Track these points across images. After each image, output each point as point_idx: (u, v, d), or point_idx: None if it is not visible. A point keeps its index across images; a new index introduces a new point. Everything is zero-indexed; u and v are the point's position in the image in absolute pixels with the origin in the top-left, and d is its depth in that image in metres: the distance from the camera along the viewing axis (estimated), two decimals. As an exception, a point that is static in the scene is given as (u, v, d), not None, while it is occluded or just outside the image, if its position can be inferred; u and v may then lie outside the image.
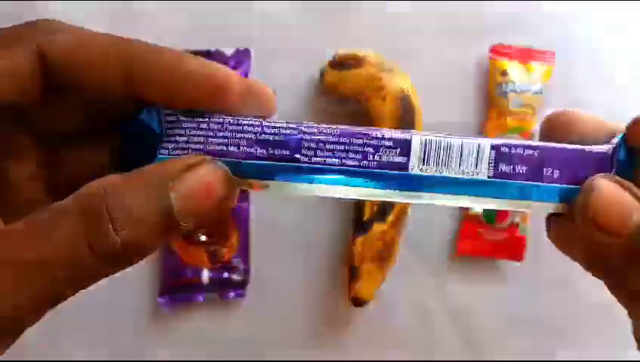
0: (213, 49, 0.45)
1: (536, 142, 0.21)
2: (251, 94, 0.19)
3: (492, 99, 0.47)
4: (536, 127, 0.47)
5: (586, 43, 0.48)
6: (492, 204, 0.21)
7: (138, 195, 0.16)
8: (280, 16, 0.47)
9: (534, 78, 0.47)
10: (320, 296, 0.48)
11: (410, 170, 0.20)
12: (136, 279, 0.46)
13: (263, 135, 0.20)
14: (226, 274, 0.46)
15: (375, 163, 0.20)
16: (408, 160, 0.20)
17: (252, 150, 0.20)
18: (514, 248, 0.47)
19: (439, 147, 0.20)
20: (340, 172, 0.20)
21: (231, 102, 0.19)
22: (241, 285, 0.46)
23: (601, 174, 0.20)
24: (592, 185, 0.19)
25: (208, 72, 0.18)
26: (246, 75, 0.46)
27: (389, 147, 0.20)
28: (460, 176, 0.21)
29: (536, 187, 0.21)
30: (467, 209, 0.47)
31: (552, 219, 0.22)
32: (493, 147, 0.21)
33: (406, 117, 0.44)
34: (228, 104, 0.19)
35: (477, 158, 0.20)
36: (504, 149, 0.21)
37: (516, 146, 0.21)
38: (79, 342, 0.46)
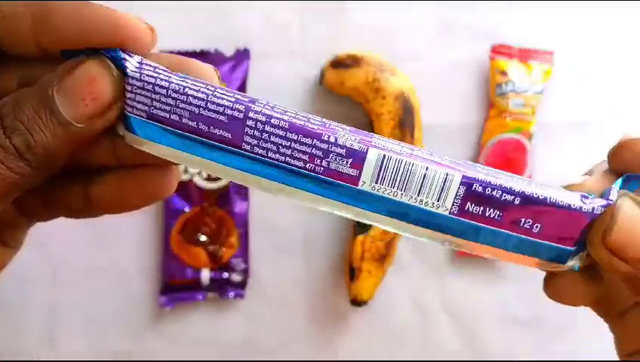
0: (213, 49, 0.45)
1: (519, 186, 0.18)
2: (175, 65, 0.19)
3: (492, 99, 0.47)
4: (535, 126, 0.47)
5: (586, 43, 0.48)
6: (453, 245, 0.19)
7: (26, 101, 0.17)
8: (280, 16, 0.47)
9: (534, 78, 0.47)
10: (320, 296, 0.48)
11: (359, 185, 0.18)
12: (136, 279, 0.47)
13: (207, 111, 0.18)
14: (226, 274, 0.46)
15: (322, 168, 0.18)
16: (360, 174, 0.18)
17: (193, 124, 0.18)
18: (514, 248, 0.47)
19: (399, 167, 0.18)
20: (279, 168, 0.18)
21: (141, 49, 0.19)
22: (241, 285, 0.46)
23: (625, 198, 0.18)
24: (616, 210, 0.18)
25: (112, 23, 0.18)
26: (246, 75, 0.46)
27: (340, 155, 0.18)
28: (415, 205, 0.18)
29: (518, 239, 0.18)
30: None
31: (548, 275, 0.21)
32: (464, 182, 0.18)
33: (406, 117, 0.44)
34: (139, 52, 0.19)
35: (441, 190, 0.18)
36: (477, 188, 0.18)
37: (494, 187, 0.18)
38: (79, 342, 0.46)
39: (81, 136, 0.18)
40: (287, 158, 0.18)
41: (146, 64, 0.19)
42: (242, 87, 0.45)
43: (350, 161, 0.18)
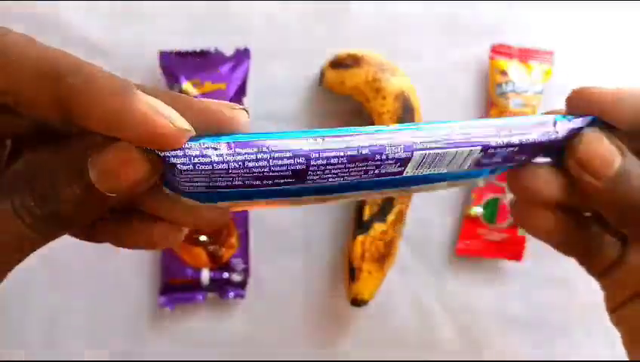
0: (213, 49, 0.45)
1: (518, 138, 0.21)
2: (208, 117, 0.19)
3: (492, 99, 0.47)
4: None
5: (586, 43, 0.48)
6: (458, 186, 0.22)
7: (59, 172, 0.18)
8: (280, 16, 0.47)
9: (534, 77, 0.47)
10: (320, 296, 0.48)
11: (403, 174, 0.21)
12: (136, 279, 0.47)
13: (270, 172, 0.19)
14: (226, 274, 0.46)
15: (374, 175, 0.20)
16: (404, 170, 0.21)
17: (258, 182, 0.19)
18: (513, 248, 0.47)
19: (435, 156, 0.20)
20: (335, 185, 0.20)
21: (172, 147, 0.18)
22: (241, 285, 0.46)
23: (591, 128, 0.22)
24: (582, 134, 0.22)
25: (154, 117, 0.17)
26: (246, 75, 0.46)
27: (390, 164, 0.20)
28: (443, 172, 0.22)
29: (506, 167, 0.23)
30: (468, 209, 0.47)
31: (517, 205, 0.25)
32: (483, 149, 0.21)
33: (406, 117, 0.44)
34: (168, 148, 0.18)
35: (465, 159, 0.21)
36: (491, 151, 0.21)
37: (502, 146, 0.21)
38: (79, 342, 0.46)
39: (109, 205, 0.18)
40: (345, 178, 0.20)
41: (191, 150, 0.18)
42: (242, 87, 0.45)
43: (398, 165, 0.20)
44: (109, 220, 0.21)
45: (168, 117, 0.17)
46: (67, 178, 0.18)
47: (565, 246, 0.25)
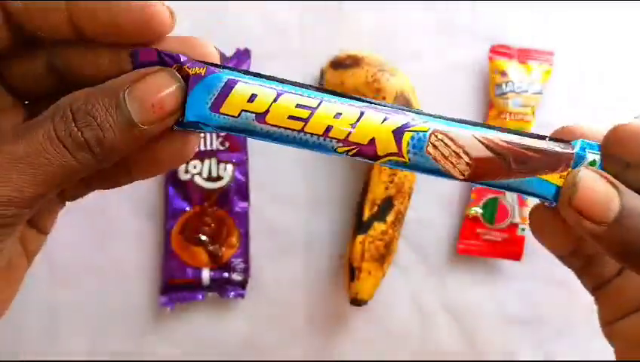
0: (213, 49, 0.45)
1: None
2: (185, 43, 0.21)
3: (492, 100, 0.47)
4: (535, 127, 0.47)
5: (586, 43, 0.48)
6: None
7: (97, 100, 0.19)
8: (280, 17, 0.47)
9: (534, 78, 0.47)
10: (320, 296, 0.48)
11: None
12: (137, 279, 0.47)
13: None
14: (226, 274, 0.46)
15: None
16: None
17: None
18: (513, 248, 0.47)
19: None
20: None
21: (164, 29, 0.20)
22: (241, 285, 0.46)
23: (584, 166, 0.21)
24: (577, 178, 0.20)
25: (138, 5, 0.19)
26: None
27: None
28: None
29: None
30: (467, 209, 0.47)
31: (533, 211, 0.24)
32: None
33: (406, 117, 0.44)
34: (162, 32, 0.20)
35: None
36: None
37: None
38: (79, 342, 0.46)
39: (144, 136, 0.19)
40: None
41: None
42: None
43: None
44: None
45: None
46: (106, 109, 0.19)
47: (565, 258, 0.24)
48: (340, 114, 0.20)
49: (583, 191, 0.20)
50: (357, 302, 0.45)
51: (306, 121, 0.20)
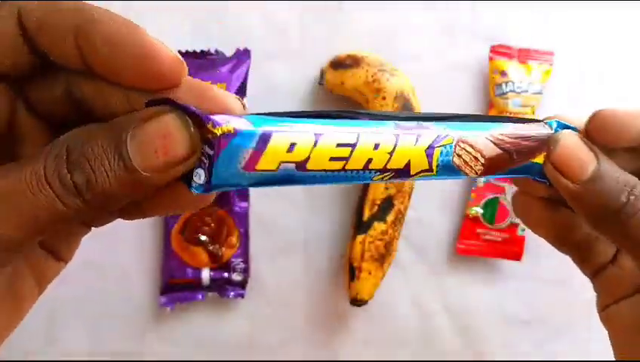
0: (213, 49, 0.45)
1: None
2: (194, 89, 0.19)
3: (492, 100, 0.47)
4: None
5: (586, 43, 0.48)
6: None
7: (96, 140, 0.17)
8: (280, 17, 0.47)
9: (534, 78, 0.47)
10: (320, 296, 0.48)
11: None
12: (137, 279, 0.47)
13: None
14: (226, 274, 0.46)
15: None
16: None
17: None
18: (513, 248, 0.47)
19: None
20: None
21: (163, 73, 0.18)
22: (241, 285, 0.46)
23: (567, 130, 0.22)
24: (558, 136, 0.22)
25: (138, 42, 0.18)
26: (246, 75, 0.46)
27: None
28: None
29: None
30: (467, 209, 0.47)
31: (518, 196, 0.25)
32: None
33: (406, 117, 0.44)
34: (162, 76, 0.18)
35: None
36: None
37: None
38: (79, 342, 0.46)
39: (145, 185, 0.17)
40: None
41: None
42: (242, 87, 0.45)
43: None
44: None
45: (166, 48, 0.18)
46: (103, 151, 0.17)
47: (560, 242, 0.25)
48: (378, 145, 0.20)
49: (561, 148, 0.21)
50: (357, 302, 0.45)
51: (347, 159, 0.19)
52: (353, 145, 0.19)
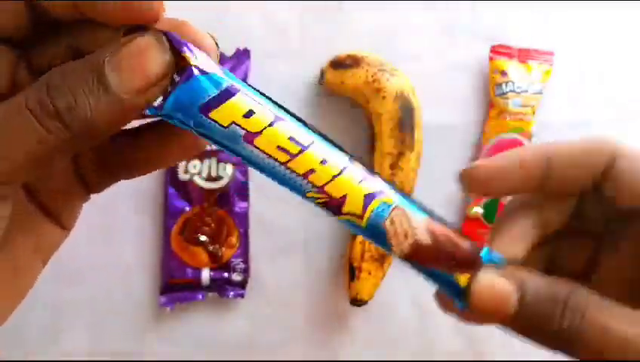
0: (213, 49, 0.45)
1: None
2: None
3: (492, 100, 0.47)
4: (535, 126, 0.47)
5: (586, 43, 0.48)
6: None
7: (76, 69, 0.17)
8: (280, 17, 0.47)
9: (534, 78, 0.47)
10: (320, 296, 0.48)
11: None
12: (137, 279, 0.47)
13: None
14: (226, 274, 0.46)
15: None
16: None
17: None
18: (514, 248, 0.47)
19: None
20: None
21: (142, 7, 0.19)
22: (241, 285, 0.46)
23: (481, 273, 0.21)
24: (473, 283, 0.21)
25: None
26: (246, 75, 0.46)
27: None
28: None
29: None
30: (468, 209, 0.47)
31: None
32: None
33: (405, 117, 0.44)
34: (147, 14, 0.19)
35: None
36: None
37: None
38: (79, 341, 0.46)
39: (123, 109, 0.18)
40: None
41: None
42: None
43: None
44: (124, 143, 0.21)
45: None
46: (83, 78, 0.17)
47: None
48: (326, 161, 0.20)
49: (477, 295, 0.21)
50: (357, 302, 0.45)
51: (293, 156, 0.19)
52: (304, 147, 0.20)
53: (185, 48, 0.18)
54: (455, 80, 0.48)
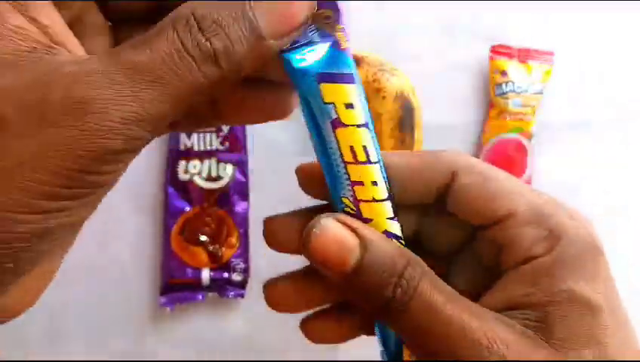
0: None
1: None
2: None
3: (492, 99, 0.47)
4: (535, 126, 0.47)
5: (586, 43, 0.48)
6: None
7: (224, 9, 0.17)
8: (280, 17, 0.47)
9: (534, 78, 0.47)
10: (320, 296, 0.48)
11: None
12: (137, 279, 0.47)
13: None
14: (226, 274, 0.46)
15: None
16: None
17: None
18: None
19: None
20: None
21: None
22: (241, 285, 0.46)
23: (327, 214, 0.20)
24: (315, 221, 0.20)
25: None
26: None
27: None
28: None
29: None
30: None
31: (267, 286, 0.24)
32: None
33: (405, 117, 0.44)
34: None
35: None
36: None
37: None
38: (79, 342, 0.46)
39: (269, 53, 0.17)
40: None
41: None
42: (242, 87, 0.45)
43: None
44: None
45: None
46: (234, 18, 0.16)
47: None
48: (377, 183, 0.20)
49: (318, 236, 0.19)
50: (357, 302, 0.45)
51: (356, 162, 0.20)
52: (370, 161, 0.20)
53: (342, 20, 0.20)
54: (455, 80, 0.48)
